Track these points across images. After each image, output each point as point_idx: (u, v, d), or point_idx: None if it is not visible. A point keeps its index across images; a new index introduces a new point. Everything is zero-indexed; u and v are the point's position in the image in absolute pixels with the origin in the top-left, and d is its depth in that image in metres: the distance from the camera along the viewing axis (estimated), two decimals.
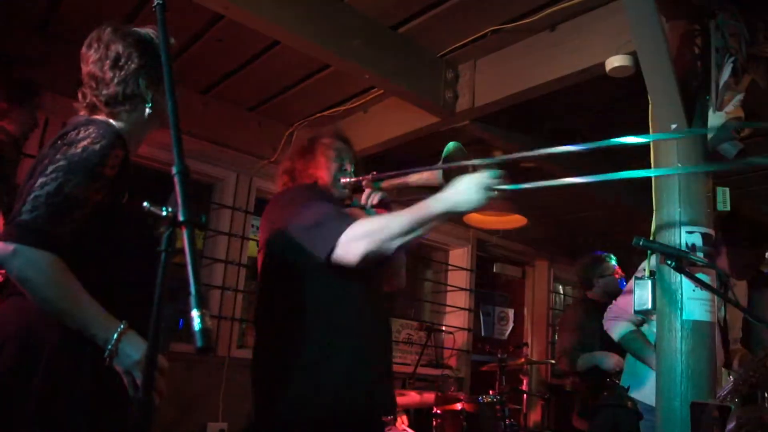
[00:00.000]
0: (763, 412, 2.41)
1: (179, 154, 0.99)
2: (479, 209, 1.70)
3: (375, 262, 1.77)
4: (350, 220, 1.78)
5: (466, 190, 1.68)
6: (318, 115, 4.22)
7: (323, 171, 2.09)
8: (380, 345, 1.97)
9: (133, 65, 1.53)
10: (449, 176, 1.87)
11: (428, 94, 3.46)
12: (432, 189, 1.88)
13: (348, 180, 2.08)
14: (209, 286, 4.09)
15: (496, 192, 1.67)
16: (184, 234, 0.92)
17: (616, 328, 2.81)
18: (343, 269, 1.77)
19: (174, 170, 0.97)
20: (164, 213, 0.94)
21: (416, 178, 2.01)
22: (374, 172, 2.06)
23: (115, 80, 1.52)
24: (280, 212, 1.96)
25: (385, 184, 2.08)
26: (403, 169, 2.03)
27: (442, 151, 1.93)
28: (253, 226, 4.40)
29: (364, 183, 2.07)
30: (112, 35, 1.54)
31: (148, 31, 1.60)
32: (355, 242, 1.73)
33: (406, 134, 3.94)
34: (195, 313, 0.86)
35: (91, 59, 1.54)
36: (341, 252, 1.74)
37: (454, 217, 1.89)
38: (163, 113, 1.61)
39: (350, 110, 4.06)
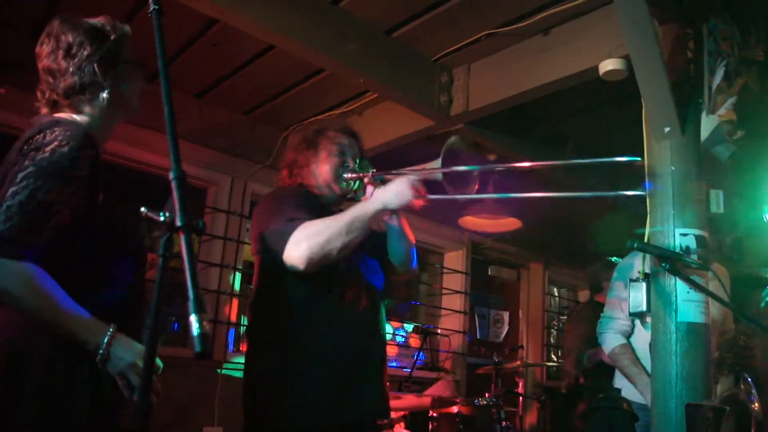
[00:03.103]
0: (739, 390, 2.45)
1: (176, 159, 0.99)
2: (406, 206, 1.88)
3: (321, 264, 1.78)
4: (299, 223, 1.79)
5: (395, 188, 1.85)
6: (313, 118, 4.22)
7: (324, 166, 2.06)
8: (354, 354, 1.91)
9: (85, 52, 1.50)
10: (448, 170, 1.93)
11: (423, 98, 3.47)
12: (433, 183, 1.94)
13: (350, 176, 2.06)
14: (205, 290, 4.08)
15: (419, 193, 1.86)
16: (182, 239, 0.92)
17: (607, 341, 2.83)
18: (308, 275, 1.79)
19: (171, 175, 0.97)
20: (162, 218, 0.94)
21: (418, 172, 2.00)
22: (373, 170, 2.05)
23: (71, 69, 1.49)
24: (258, 217, 1.98)
25: (388, 177, 2.05)
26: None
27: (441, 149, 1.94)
28: (248, 230, 4.39)
29: (366, 180, 2.05)
30: (62, 26, 1.52)
31: (99, 19, 1.57)
32: (297, 244, 1.75)
33: (401, 138, 3.95)
34: (193, 318, 0.85)
35: (44, 53, 1.52)
36: (287, 255, 1.77)
37: (449, 220, 1.91)
38: (126, 102, 1.58)
39: (345, 114, 4.06)
